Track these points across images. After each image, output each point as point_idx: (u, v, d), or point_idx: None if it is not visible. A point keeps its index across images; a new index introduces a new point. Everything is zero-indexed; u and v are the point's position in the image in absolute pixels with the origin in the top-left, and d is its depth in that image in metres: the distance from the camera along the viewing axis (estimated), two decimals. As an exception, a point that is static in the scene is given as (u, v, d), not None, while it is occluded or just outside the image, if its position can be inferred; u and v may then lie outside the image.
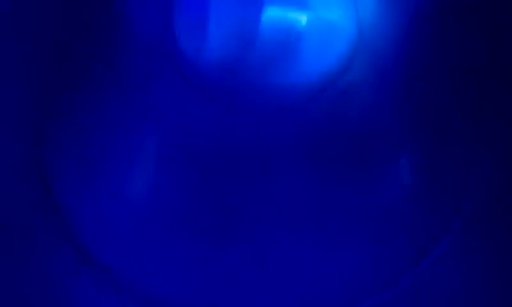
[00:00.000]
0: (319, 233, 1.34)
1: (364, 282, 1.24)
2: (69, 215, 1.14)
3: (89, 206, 1.19)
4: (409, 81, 1.45)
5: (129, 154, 1.34)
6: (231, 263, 1.25)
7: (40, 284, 1.15)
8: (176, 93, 1.58)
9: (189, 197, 1.31)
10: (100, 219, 1.20)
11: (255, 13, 2.23)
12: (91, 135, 1.27)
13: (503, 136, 1.20)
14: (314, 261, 1.28)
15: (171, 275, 1.21)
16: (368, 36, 1.63)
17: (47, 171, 1.14)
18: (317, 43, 1.90)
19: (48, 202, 1.14)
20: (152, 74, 1.52)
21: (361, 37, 1.66)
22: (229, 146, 1.50)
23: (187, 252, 1.25)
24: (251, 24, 2.20)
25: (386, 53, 1.55)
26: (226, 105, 1.63)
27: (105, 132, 1.29)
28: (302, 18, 2.03)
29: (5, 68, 1.10)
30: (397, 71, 1.49)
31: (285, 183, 1.43)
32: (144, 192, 1.29)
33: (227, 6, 2.09)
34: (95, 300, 1.16)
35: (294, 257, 1.28)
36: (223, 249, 1.26)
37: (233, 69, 2.03)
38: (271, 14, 2.20)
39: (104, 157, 1.27)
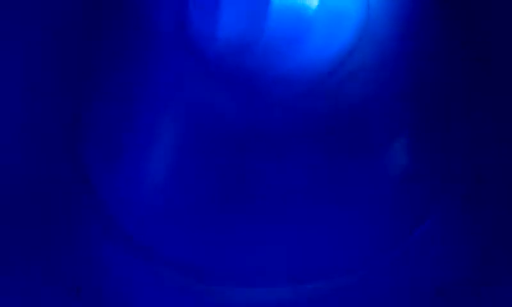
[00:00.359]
0: (323, 206, 1.45)
1: (360, 251, 1.35)
2: (99, 190, 1.23)
3: (117, 180, 1.27)
4: (411, 68, 1.51)
5: (153, 134, 1.43)
6: (246, 230, 1.37)
7: (72, 254, 1.24)
8: (192, 78, 1.67)
9: (207, 173, 1.41)
10: (128, 192, 1.29)
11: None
12: (119, 118, 1.36)
13: (493, 125, 1.26)
14: (316, 231, 1.39)
15: (193, 242, 1.31)
16: (376, 23, 1.69)
17: (79, 151, 1.22)
18: (325, 28, 1.97)
19: (80, 178, 1.22)
20: (168, 60, 1.62)
21: (369, 24, 1.71)
22: (242, 128, 1.60)
23: (207, 220, 1.36)
24: (261, 9, 2.28)
25: (391, 40, 1.59)
26: (238, 89, 1.73)
27: (131, 115, 1.39)
28: (311, 4, 2.10)
29: (39, 58, 1.15)
30: (400, 58, 1.54)
31: (294, 163, 1.53)
32: (167, 167, 1.39)
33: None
34: (123, 267, 1.27)
35: (299, 227, 1.40)
36: (239, 217, 1.37)
37: (243, 54, 2.11)
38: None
39: (130, 137, 1.37)
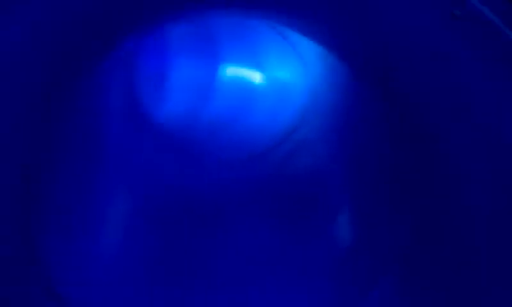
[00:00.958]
0: (271, 279, 1.48)
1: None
2: (48, 266, 1.22)
3: (67, 261, 1.28)
4: (355, 141, 1.58)
5: (102, 206, 1.45)
6: (196, 304, 1.38)
7: None
8: (144, 149, 1.70)
9: (157, 250, 1.43)
10: (76, 268, 1.29)
11: (211, 71, 2.38)
12: (68, 193, 1.37)
13: (432, 200, 1.32)
14: (265, 300, 1.42)
15: None
16: (318, 96, 1.76)
17: (31, 228, 1.22)
18: (270, 100, 2.05)
19: (30, 255, 1.21)
20: (118, 133, 1.64)
21: (312, 95, 1.78)
22: (189, 197, 1.63)
23: (154, 298, 1.36)
24: (208, 81, 2.35)
25: (334, 115, 1.66)
26: (186, 160, 1.77)
27: (81, 187, 1.39)
28: (256, 77, 2.18)
29: None
30: (343, 132, 1.61)
31: (240, 233, 1.57)
32: (116, 246, 1.40)
33: (185, 65, 2.23)
34: None
35: (247, 298, 1.42)
36: (188, 291, 1.38)
37: (190, 123, 2.16)
38: (227, 72, 2.35)
39: (80, 212, 1.38)
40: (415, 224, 1.30)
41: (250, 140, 1.94)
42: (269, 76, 2.14)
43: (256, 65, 2.22)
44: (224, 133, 2.11)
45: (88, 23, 1.13)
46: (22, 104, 1.09)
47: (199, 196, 1.66)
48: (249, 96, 2.20)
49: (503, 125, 0.99)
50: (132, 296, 1.32)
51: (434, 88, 1.10)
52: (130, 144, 1.66)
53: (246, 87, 2.28)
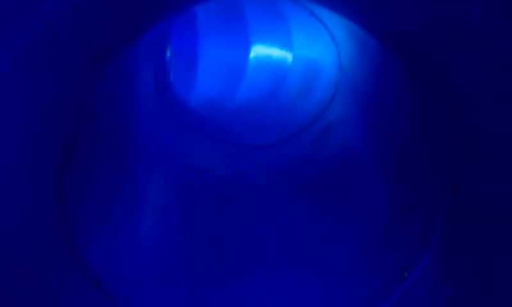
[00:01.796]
0: (303, 264, 1.46)
1: (351, 303, 1.36)
2: (86, 254, 1.24)
3: (104, 246, 1.29)
4: (384, 118, 1.55)
5: (135, 197, 1.46)
6: (232, 290, 1.38)
7: None
8: (175, 135, 1.70)
9: (187, 233, 1.43)
10: (114, 257, 1.31)
11: (241, 52, 2.35)
12: (104, 182, 1.38)
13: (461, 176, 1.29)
14: (299, 291, 1.41)
15: (177, 304, 1.33)
16: (349, 74, 1.73)
17: (67, 215, 1.24)
18: (301, 80, 2.02)
19: (68, 243, 1.23)
20: (150, 119, 1.64)
21: (342, 75, 1.76)
22: (222, 183, 1.63)
23: (188, 285, 1.37)
24: (238, 62, 2.33)
25: (365, 90, 1.63)
26: (218, 144, 1.76)
27: (116, 180, 1.41)
28: (287, 57, 2.16)
29: (32, 128, 1.17)
30: (374, 109, 1.58)
31: (272, 217, 1.56)
32: (151, 233, 1.41)
33: (215, 46, 2.21)
34: None
35: (284, 283, 1.41)
36: (219, 284, 1.38)
37: (222, 106, 2.15)
38: (258, 52, 2.33)
39: (116, 202, 1.39)
40: (449, 200, 1.27)
41: (281, 121, 1.92)
42: (299, 55, 2.12)
43: (286, 44, 2.20)
44: (255, 115, 2.10)
45: (118, 6, 1.13)
46: (57, 87, 1.10)
47: (231, 179, 1.66)
48: (280, 76, 2.18)
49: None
50: (168, 281, 1.33)
51: (467, 60, 1.07)
52: (162, 128, 1.67)
53: (276, 67, 2.26)
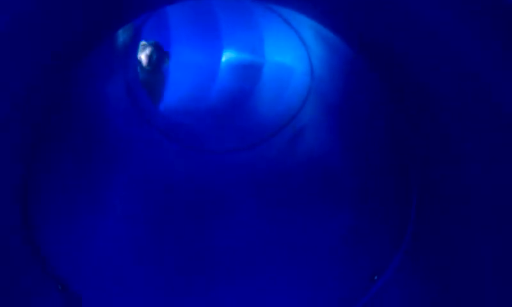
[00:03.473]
0: (274, 268, 1.45)
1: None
2: (51, 257, 1.21)
3: (69, 249, 1.26)
4: (354, 123, 1.54)
5: (102, 199, 1.43)
6: (196, 299, 1.36)
7: None
8: (144, 139, 1.68)
9: (157, 238, 1.41)
10: (78, 259, 1.28)
11: (213, 56, 2.33)
12: (69, 183, 1.35)
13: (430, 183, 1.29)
14: (271, 295, 1.39)
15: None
16: (320, 80, 1.73)
17: (30, 217, 1.21)
18: (272, 85, 2.02)
19: (31, 247, 1.20)
20: (119, 125, 1.62)
21: (313, 80, 1.75)
22: (192, 187, 1.61)
23: (155, 289, 1.35)
24: (210, 67, 2.31)
25: (335, 95, 1.63)
26: (188, 147, 1.74)
27: (82, 183, 1.38)
28: (259, 62, 2.14)
29: None
30: (344, 113, 1.58)
31: (244, 220, 1.55)
32: (118, 235, 1.39)
33: (187, 50, 2.19)
34: None
35: (251, 289, 1.40)
36: (188, 287, 1.36)
37: (193, 110, 2.13)
38: (230, 57, 2.31)
39: (82, 205, 1.36)
40: (419, 200, 1.28)
41: (252, 126, 1.92)
42: (270, 60, 2.12)
43: (258, 49, 2.20)
44: (226, 119, 2.09)
45: (90, 5, 1.11)
46: (23, 85, 1.08)
47: (201, 184, 1.65)
48: (251, 81, 2.18)
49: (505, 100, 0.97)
50: (134, 284, 1.31)
51: (437, 65, 1.07)
52: (131, 130, 1.65)
53: (247, 72, 2.26)
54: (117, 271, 1.33)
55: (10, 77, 1.04)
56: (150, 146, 1.72)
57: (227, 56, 2.42)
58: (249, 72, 2.21)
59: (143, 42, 2.18)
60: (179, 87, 2.20)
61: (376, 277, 1.29)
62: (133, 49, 1.93)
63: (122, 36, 1.69)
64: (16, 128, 1.14)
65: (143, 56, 2.16)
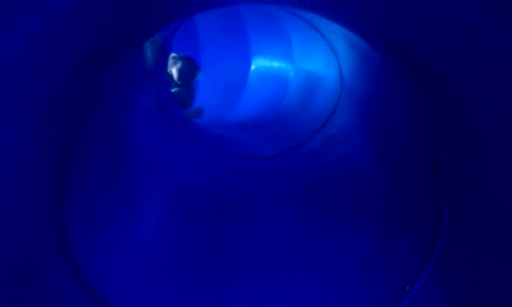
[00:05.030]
0: (304, 276, 1.44)
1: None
2: (82, 264, 1.23)
3: (100, 257, 1.28)
4: (386, 129, 1.53)
5: (133, 206, 1.45)
6: (226, 304, 1.36)
7: None
8: (174, 146, 1.70)
9: (187, 245, 1.42)
10: (109, 265, 1.29)
11: (242, 64, 2.34)
12: (102, 193, 1.37)
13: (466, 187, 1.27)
14: (298, 304, 1.39)
15: None
16: (350, 86, 1.72)
17: (63, 224, 1.22)
18: (302, 93, 2.01)
19: (65, 255, 1.22)
20: (150, 132, 1.64)
21: (343, 87, 1.74)
22: (222, 194, 1.62)
23: (186, 296, 1.36)
24: (238, 75, 2.31)
25: (366, 102, 1.62)
26: (218, 154, 1.75)
27: (113, 190, 1.39)
28: (288, 69, 2.14)
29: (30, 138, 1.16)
30: (375, 120, 1.57)
31: (273, 228, 1.54)
32: (149, 243, 1.40)
33: (216, 59, 2.20)
34: None
35: (279, 298, 1.40)
36: (219, 293, 1.37)
37: (223, 118, 2.14)
38: (259, 65, 2.31)
39: (113, 213, 1.38)
40: (451, 208, 1.26)
41: (282, 133, 1.91)
42: (299, 67, 2.11)
43: (287, 57, 2.20)
44: (256, 127, 2.09)
45: (120, 12, 1.13)
46: (56, 89, 1.10)
47: (231, 191, 1.65)
48: (280, 88, 2.18)
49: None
50: (165, 290, 1.32)
51: (469, 66, 1.06)
52: (161, 139, 1.66)
53: (276, 80, 2.25)
54: (147, 278, 1.34)
55: (42, 81, 1.07)
56: (180, 153, 1.73)
57: (256, 64, 2.42)
58: (279, 80, 2.21)
59: (173, 55, 2.19)
60: (209, 96, 2.21)
61: (407, 288, 1.28)
62: (163, 59, 1.94)
63: (151, 45, 1.71)
64: (49, 137, 1.16)
65: (174, 70, 2.17)
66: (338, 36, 1.63)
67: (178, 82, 2.19)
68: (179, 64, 2.17)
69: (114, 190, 1.40)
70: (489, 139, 1.08)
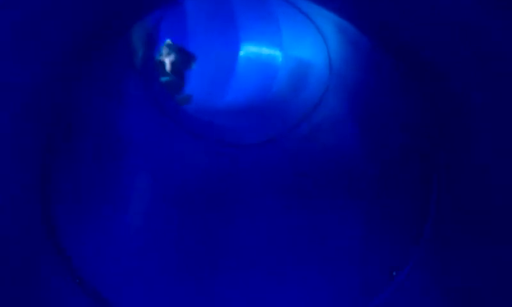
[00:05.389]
0: (293, 262, 1.44)
1: (341, 301, 1.34)
2: (71, 252, 1.22)
3: (88, 245, 1.27)
4: (375, 116, 1.53)
5: (122, 194, 1.43)
6: (216, 294, 1.36)
7: None
8: (163, 134, 1.68)
9: (177, 233, 1.41)
10: (98, 256, 1.29)
11: (231, 50, 2.32)
12: (90, 181, 1.35)
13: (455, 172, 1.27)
14: (289, 289, 1.39)
15: (162, 301, 1.31)
16: (339, 73, 1.71)
17: (51, 215, 1.21)
18: (291, 79, 2.00)
19: (52, 242, 1.21)
20: (138, 120, 1.62)
21: (333, 74, 1.74)
22: (211, 182, 1.61)
23: (175, 285, 1.35)
24: (227, 61, 2.30)
25: (355, 89, 1.61)
26: (207, 141, 1.74)
27: (101, 179, 1.38)
28: (277, 56, 2.13)
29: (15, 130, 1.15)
30: (364, 107, 1.57)
31: (263, 215, 1.54)
32: (137, 231, 1.39)
33: (205, 45, 2.18)
34: None
35: (275, 284, 1.40)
36: (208, 282, 1.36)
37: (212, 104, 2.12)
38: (248, 51, 2.30)
39: (101, 201, 1.36)
40: (439, 195, 1.26)
41: (271, 120, 1.90)
42: (289, 54, 2.10)
43: (276, 43, 2.18)
44: (245, 113, 2.08)
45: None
46: (44, 75, 1.08)
47: (220, 178, 1.64)
48: (269, 74, 2.16)
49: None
50: (155, 279, 1.31)
51: (461, 57, 1.05)
52: (150, 126, 1.65)
53: (265, 66, 2.24)
54: (137, 267, 1.33)
55: (26, 70, 1.05)
56: (169, 140, 1.72)
57: (245, 50, 2.41)
58: (268, 66, 2.20)
59: (168, 41, 2.15)
60: (197, 82, 2.20)
61: (394, 273, 1.29)
62: (150, 46, 1.92)
63: (138, 31, 1.69)
64: (34, 124, 1.14)
65: (167, 60, 2.13)
66: (328, 22, 1.62)
67: (169, 72, 2.16)
68: (173, 56, 2.14)
69: (103, 180, 1.38)
70: (479, 131, 1.08)
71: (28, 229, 1.18)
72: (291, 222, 1.49)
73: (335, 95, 1.72)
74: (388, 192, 1.42)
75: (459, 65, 1.08)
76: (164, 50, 2.11)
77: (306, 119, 1.78)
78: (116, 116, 1.51)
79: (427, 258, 1.26)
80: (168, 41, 2.14)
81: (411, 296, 1.28)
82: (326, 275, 1.35)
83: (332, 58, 1.73)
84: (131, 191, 1.47)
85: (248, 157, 1.75)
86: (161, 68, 2.13)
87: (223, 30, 2.50)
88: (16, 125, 1.05)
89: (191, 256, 1.39)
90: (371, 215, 1.44)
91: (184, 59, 2.18)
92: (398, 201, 1.38)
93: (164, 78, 2.10)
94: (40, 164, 1.18)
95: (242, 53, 2.42)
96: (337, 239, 1.43)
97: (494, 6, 0.94)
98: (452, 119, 1.20)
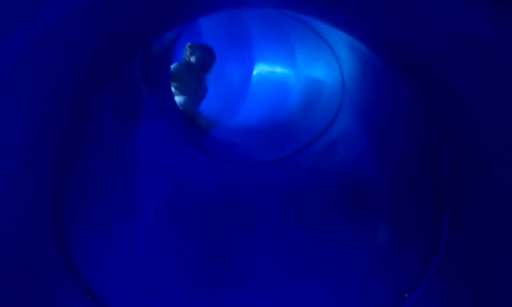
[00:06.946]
0: (303, 281, 1.43)
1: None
2: (82, 266, 1.22)
3: (98, 256, 1.26)
4: (387, 135, 1.51)
5: (133, 209, 1.43)
6: (229, 304, 1.35)
7: None
8: (175, 152, 1.68)
9: (187, 248, 1.40)
10: (107, 267, 1.28)
11: (244, 69, 2.31)
12: (102, 199, 1.36)
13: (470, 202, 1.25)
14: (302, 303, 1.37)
15: None
16: (352, 92, 1.70)
17: (63, 229, 1.21)
18: (304, 98, 1.99)
19: (63, 253, 1.21)
20: (152, 136, 1.62)
21: (345, 93, 1.72)
22: (223, 199, 1.60)
23: (186, 301, 1.34)
24: (241, 80, 2.28)
25: (368, 108, 1.59)
26: (220, 160, 1.73)
27: (113, 196, 1.38)
28: (290, 75, 2.12)
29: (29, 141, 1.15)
30: (377, 126, 1.55)
31: (275, 233, 1.53)
32: (147, 247, 1.38)
33: (220, 63, 2.18)
34: None
35: (285, 300, 1.38)
36: (219, 296, 1.35)
37: (225, 123, 2.11)
38: (261, 70, 2.28)
39: (113, 215, 1.36)
40: (452, 217, 1.26)
41: (284, 138, 1.90)
42: (302, 73, 2.10)
43: (290, 62, 2.18)
44: (258, 132, 2.08)
45: (123, 18, 1.13)
46: (56, 94, 1.09)
47: (232, 195, 1.64)
48: (283, 94, 2.16)
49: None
50: (164, 293, 1.31)
51: (471, 75, 1.04)
52: (163, 143, 1.66)
53: (279, 85, 2.24)
54: (145, 280, 1.33)
55: (43, 83, 1.05)
56: (182, 158, 1.72)
57: (259, 69, 2.41)
58: (281, 85, 2.20)
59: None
60: (211, 100, 2.19)
61: (406, 295, 1.26)
62: (167, 63, 1.93)
63: (154, 50, 1.69)
64: (50, 139, 1.16)
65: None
66: (341, 41, 1.62)
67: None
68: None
69: (115, 193, 1.39)
70: (491, 147, 1.07)
71: (41, 243, 1.20)
72: (303, 238, 1.48)
73: (347, 113, 1.71)
74: (400, 210, 1.41)
75: (469, 83, 1.07)
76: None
77: (319, 138, 1.78)
78: (131, 133, 1.51)
79: (438, 280, 1.25)
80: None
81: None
82: (335, 295, 1.34)
83: (344, 76, 1.73)
84: (143, 207, 1.47)
85: (261, 175, 1.74)
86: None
87: (238, 49, 2.50)
88: (33, 138, 1.06)
89: (202, 271, 1.38)
90: (383, 234, 1.43)
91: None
92: (410, 220, 1.38)
93: (177, 98, 2.09)
94: (54, 178, 1.19)
95: (255, 72, 2.41)
96: (348, 257, 1.41)
97: (493, 16, 0.93)
98: (463, 135, 1.19)
